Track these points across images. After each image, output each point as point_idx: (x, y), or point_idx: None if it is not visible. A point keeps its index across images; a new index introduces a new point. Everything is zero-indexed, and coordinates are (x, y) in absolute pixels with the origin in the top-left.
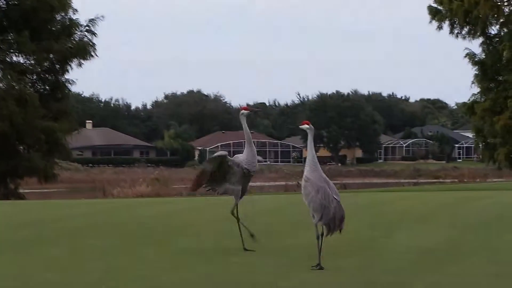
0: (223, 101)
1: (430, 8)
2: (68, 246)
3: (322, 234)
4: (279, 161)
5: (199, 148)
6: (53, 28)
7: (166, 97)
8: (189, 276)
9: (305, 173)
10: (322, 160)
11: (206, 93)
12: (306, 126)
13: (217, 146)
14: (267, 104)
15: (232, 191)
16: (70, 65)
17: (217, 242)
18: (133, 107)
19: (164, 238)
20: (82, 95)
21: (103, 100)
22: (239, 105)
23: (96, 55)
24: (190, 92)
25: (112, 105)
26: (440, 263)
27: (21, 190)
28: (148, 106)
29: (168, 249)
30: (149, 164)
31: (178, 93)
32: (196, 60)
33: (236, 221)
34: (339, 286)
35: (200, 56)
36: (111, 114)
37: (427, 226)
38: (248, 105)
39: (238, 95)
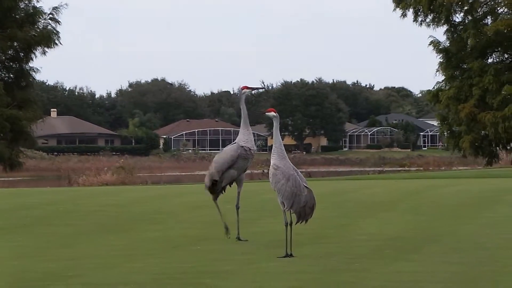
0: (188, 89)
1: None
2: (33, 234)
3: (291, 223)
4: None
5: (164, 136)
6: (17, 16)
7: (130, 85)
8: (153, 263)
9: (273, 161)
10: (287, 149)
11: (170, 82)
12: (273, 113)
13: (182, 135)
14: (232, 92)
15: (228, 176)
16: (34, 53)
17: (183, 230)
18: (97, 96)
19: (129, 226)
20: (47, 84)
21: (67, 88)
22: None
23: (60, 43)
24: (155, 81)
25: (76, 93)
26: (404, 250)
27: None
28: (113, 95)
29: (133, 237)
30: (114, 153)
31: (143, 81)
32: (160, 49)
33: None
34: (303, 274)
35: (164, 44)
36: (76, 103)
37: (391, 214)
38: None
39: (203, 83)
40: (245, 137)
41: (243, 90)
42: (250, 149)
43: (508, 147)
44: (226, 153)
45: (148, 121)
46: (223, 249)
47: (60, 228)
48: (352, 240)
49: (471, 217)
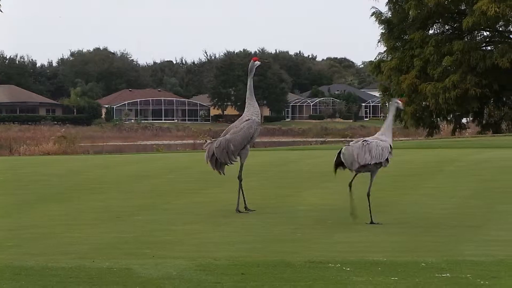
0: (130, 59)
1: None
2: None
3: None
4: (187, 120)
5: (106, 106)
6: None
7: (72, 54)
8: (94, 233)
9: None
10: (230, 119)
11: (112, 51)
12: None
13: (124, 104)
14: (174, 62)
15: (245, 154)
16: None
17: (125, 200)
18: (38, 64)
19: (70, 195)
20: None
21: (7, 57)
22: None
23: (1, 11)
24: (96, 50)
25: (17, 62)
26: (346, 221)
27: None
28: (54, 64)
29: (75, 206)
30: (55, 122)
31: (84, 50)
32: (102, 17)
33: (239, 184)
34: (245, 244)
35: (106, 13)
36: (16, 71)
37: (334, 184)
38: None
39: (145, 52)
40: (255, 110)
41: (255, 62)
42: (259, 124)
43: (449, 118)
44: (243, 131)
45: (90, 91)
46: (166, 219)
47: (0, 197)
48: (295, 211)
49: (413, 187)
